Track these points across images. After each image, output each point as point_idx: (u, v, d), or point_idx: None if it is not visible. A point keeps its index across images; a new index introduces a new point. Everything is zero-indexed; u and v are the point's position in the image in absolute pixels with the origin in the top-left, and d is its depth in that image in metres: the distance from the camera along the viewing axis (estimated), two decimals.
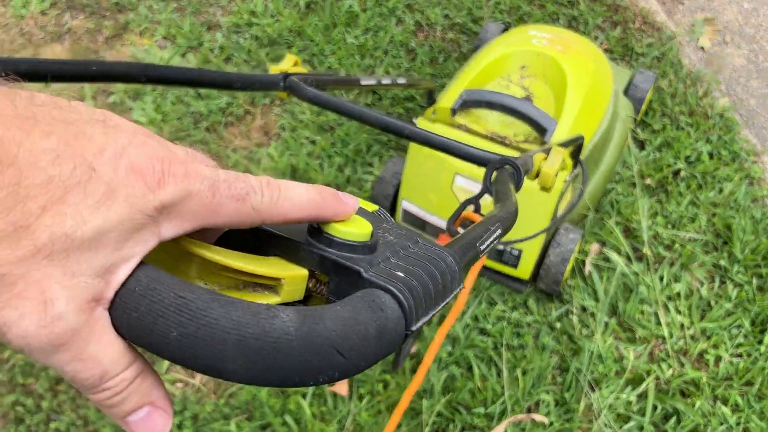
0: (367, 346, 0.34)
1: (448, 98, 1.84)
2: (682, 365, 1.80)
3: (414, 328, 0.37)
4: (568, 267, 1.84)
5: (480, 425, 1.74)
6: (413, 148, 1.87)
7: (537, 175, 1.09)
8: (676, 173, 2.16)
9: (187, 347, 0.32)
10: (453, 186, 1.79)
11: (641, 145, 2.24)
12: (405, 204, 1.95)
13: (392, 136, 2.32)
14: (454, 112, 1.80)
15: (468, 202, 0.90)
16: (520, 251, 1.81)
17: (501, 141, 1.77)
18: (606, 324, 1.87)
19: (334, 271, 0.39)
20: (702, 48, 2.69)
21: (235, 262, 0.38)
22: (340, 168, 2.26)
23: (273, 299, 0.39)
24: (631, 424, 1.72)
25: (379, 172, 2.22)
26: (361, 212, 0.45)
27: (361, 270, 0.38)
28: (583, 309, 1.91)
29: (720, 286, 1.94)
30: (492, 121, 1.82)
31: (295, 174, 2.25)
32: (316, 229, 0.40)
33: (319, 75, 1.31)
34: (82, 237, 0.31)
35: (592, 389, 1.78)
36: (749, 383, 1.76)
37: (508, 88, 1.89)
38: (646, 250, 1.97)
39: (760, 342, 1.81)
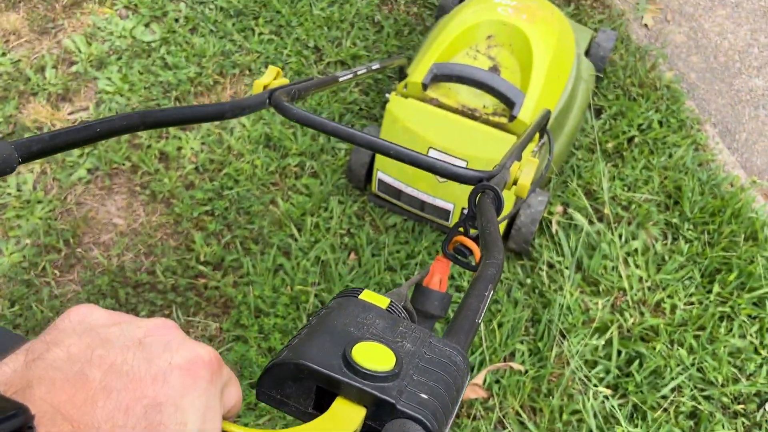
0: None
1: (419, 72, 1.87)
2: (642, 314, 1.96)
3: None
4: (536, 227, 1.96)
5: None
6: (387, 119, 1.91)
7: (515, 183, 1.10)
8: (631, 140, 2.32)
9: None
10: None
11: (598, 113, 2.39)
12: (380, 175, 2.01)
13: (364, 104, 2.39)
14: (425, 86, 1.84)
15: (458, 225, 0.95)
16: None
17: (471, 114, 1.86)
18: (573, 279, 2.00)
19: (371, 402, 0.45)
20: (646, 25, 2.86)
21: None
22: (313, 137, 2.30)
23: None
24: (599, 368, 1.87)
25: None
26: (376, 310, 0.53)
27: (395, 402, 0.44)
28: (551, 266, 2.05)
29: (673, 242, 2.11)
30: (463, 93, 1.88)
31: (269, 142, 2.28)
32: (350, 364, 0.46)
33: (300, 83, 1.29)
34: None
35: (563, 338, 1.91)
36: (702, 328, 1.93)
37: (476, 59, 1.94)
38: (606, 211, 2.12)
39: (710, 291, 1.99)
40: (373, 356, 0.46)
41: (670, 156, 2.27)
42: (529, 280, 2.02)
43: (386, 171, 1.98)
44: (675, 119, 2.36)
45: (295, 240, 2.09)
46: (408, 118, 1.86)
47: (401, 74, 2.04)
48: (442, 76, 1.83)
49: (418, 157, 1.03)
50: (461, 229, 0.95)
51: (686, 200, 2.15)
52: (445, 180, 1.40)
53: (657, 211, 2.15)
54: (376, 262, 2.03)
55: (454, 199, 1.89)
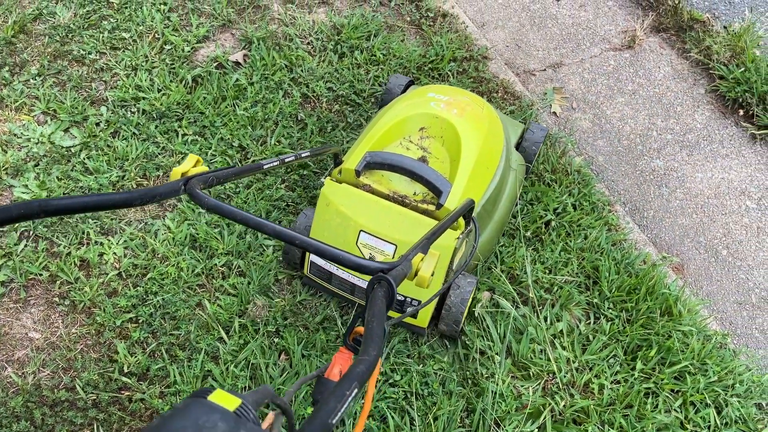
0: None
1: (353, 159, 1.94)
2: (572, 396, 2.00)
3: None
4: (467, 307, 2.00)
5: None
6: (321, 204, 1.95)
7: (416, 275, 1.14)
8: (548, 224, 2.43)
9: None
10: (358, 242, 1.89)
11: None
12: (313, 258, 2.03)
13: (290, 200, 2.41)
14: (358, 173, 1.90)
15: (358, 316, 0.99)
16: (419, 302, 1.94)
17: (402, 200, 1.92)
18: (503, 365, 2.03)
19: None
20: (555, 113, 3.06)
21: None
22: (240, 235, 2.30)
23: None
24: None
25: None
26: (221, 413, 0.53)
27: None
28: (482, 352, 2.07)
29: (595, 321, 2.18)
30: (394, 180, 1.95)
31: (195, 243, 2.26)
32: None
33: (219, 171, 1.31)
34: None
35: (498, 426, 1.92)
36: (629, 406, 1.98)
37: (408, 149, 2.03)
38: (531, 295, 2.19)
39: (633, 368, 2.06)
40: None
41: (586, 237, 2.39)
42: (461, 371, 2.03)
43: None
44: (587, 202, 2.50)
45: (224, 343, 2.04)
46: (341, 202, 1.91)
47: (336, 161, 2.11)
48: (374, 163, 1.90)
49: (320, 246, 1.06)
50: (361, 320, 0.97)
51: (604, 280, 2.24)
52: None
53: (578, 292, 2.23)
54: (307, 362, 2.00)
55: None
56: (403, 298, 1.94)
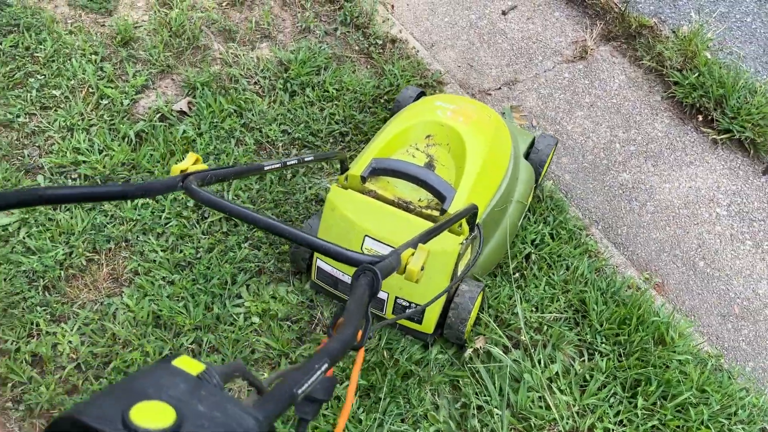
0: None
1: (359, 166, 1.95)
2: None
3: None
4: (474, 311, 2.00)
5: None
6: (327, 210, 1.96)
7: (404, 270, 1.15)
8: (528, 257, 2.35)
9: None
10: (363, 246, 1.90)
11: None
12: (319, 263, 2.04)
13: (256, 259, 2.26)
14: (364, 179, 1.91)
15: (342, 310, 0.97)
16: (424, 308, 1.92)
17: (406, 206, 1.93)
18: (504, 420, 1.94)
19: None
20: None
21: None
22: (207, 307, 2.13)
23: None
24: None
25: (249, 302, 2.14)
26: (183, 375, 0.55)
27: None
28: (479, 408, 1.97)
29: (590, 358, 2.11)
30: (399, 186, 1.97)
31: (159, 321, 2.08)
32: (125, 422, 0.47)
33: (219, 169, 1.34)
34: None
35: None
36: None
37: (414, 156, 2.05)
38: (523, 337, 2.10)
39: (635, 406, 1.99)
40: (152, 415, 0.47)
41: (568, 268, 2.31)
42: (460, 430, 1.93)
43: (324, 259, 2.02)
44: (564, 229, 2.43)
45: None
46: (346, 207, 1.92)
47: (342, 167, 2.15)
48: (380, 169, 1.91)
49: (310, 239, 1.12)
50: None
51: (593, 312, 2.18)
52: None
53: (568, 329, 2.16)
54: None
55: (387, 288, 1.93)
56: (407, 304, 1.93)
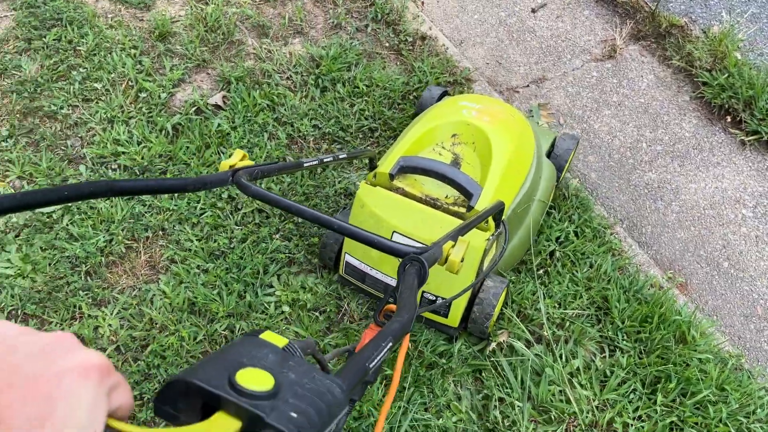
0: None
1: (387, 164, 2.02)
2: None
3: None
4: (498, 306, 2.05)
5: None
6: (356, 206, 2.02)
7: (446, 261, 1.22)
8: (552, 254, 2.39)
9: None
10: None
11: None
12: (348, 258, 2.10)
13: (288, 251, 2.33)
14: (392, 176, 1.97)
15: (388, 295, 1.05)
16: (450, 302, 1.98)
17: (433, 203, 1.98)
18: (525, 411, 1.99)
19: (245, 416, 0.51)
20: None
21: None
22: (240, 295, 2.21)
23: None
24: None
25: (279, 291, 2.22)
26: (271, 347, 0.60)
27: (264, 416, 0.50)
28: (501, 400, 2.03)
29: (611, 355, 2.15)
30: (427, 184, 2.02)
31: (194, 308, 2.17)
32: (233, 384, 0.52)
33: (264, 165, 1.42)
34: None
35: None
36: None
37: (441, 155, 2.10)
38: (545, 333, 2.15)
39: (654, 402, 2.03)
40: (254, 379, 0.53)
41: (591, 266, 2.35)
42: (482, 421, 1.99)
43: (353, 254, 2.08)
44: (589, 228, 2.46)
45: None
46: (374, 204, 1.98)
47: (371, 165, 2.19)
48: (407, 167, 1.97)
49: (357, 231, 1.18)
50: (391, 299, 1.04)
51: (615, 310, 2.21)
52: None
53: (590, 325, 2.20)
54: None
55: None
56: (434, 298, 1.99)
